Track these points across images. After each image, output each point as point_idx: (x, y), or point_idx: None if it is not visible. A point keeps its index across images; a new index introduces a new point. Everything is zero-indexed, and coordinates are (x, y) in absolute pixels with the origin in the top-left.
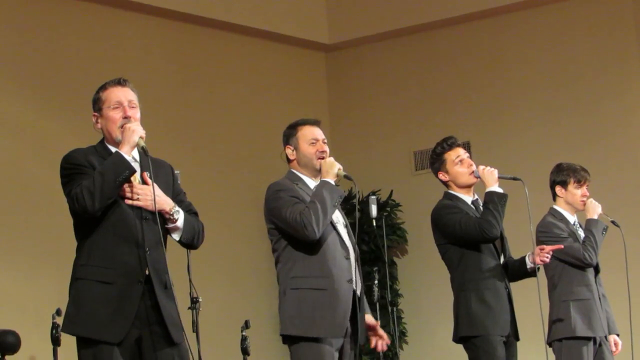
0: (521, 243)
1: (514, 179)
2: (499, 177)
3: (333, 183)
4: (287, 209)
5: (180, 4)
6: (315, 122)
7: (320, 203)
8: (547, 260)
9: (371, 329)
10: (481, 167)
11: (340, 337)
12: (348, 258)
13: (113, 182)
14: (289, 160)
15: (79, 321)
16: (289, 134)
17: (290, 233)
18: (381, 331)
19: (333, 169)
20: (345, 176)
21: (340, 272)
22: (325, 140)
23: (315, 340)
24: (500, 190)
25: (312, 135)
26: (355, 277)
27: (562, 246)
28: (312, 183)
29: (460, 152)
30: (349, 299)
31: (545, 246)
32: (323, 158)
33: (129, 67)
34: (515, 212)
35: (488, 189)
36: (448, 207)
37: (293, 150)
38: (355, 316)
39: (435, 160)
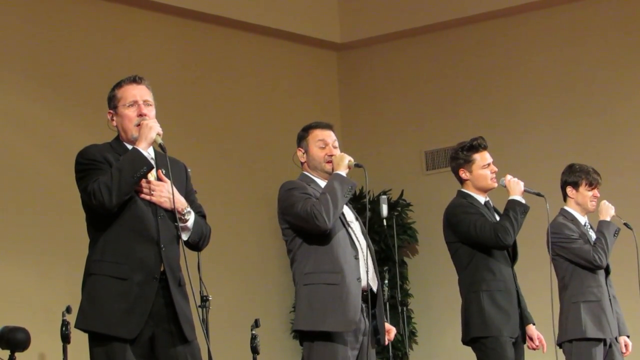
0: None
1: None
2: (524, 190)
3: (345, 175)
4: (299, 203)
5: (193, 3)
6: (326, 126)
7: (331, 194)
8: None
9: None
10: (509, 177)
11: (350, 331)
12: (357, 258)
13: (131, 177)
14: (301, 163)
15: (93, 316)
16: (301, 137)
17: (303, 226)
18: (389, 325)
19: (343, 161)
20: (356, 165)
21: (350, 269)
22: (336, 144)
23: (329, 339)
24: (523, 201)
25: (321, 139)
26: (370, 275)
27: None
28: (324, 184)
29: (488, 157)
30: (358, 296)
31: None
32: (331, 162)
33: (142, 65)
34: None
35: (511, 197)
36: (464, 206)
37: (304, 153)
38: (373, 313)
39: (462, 157)
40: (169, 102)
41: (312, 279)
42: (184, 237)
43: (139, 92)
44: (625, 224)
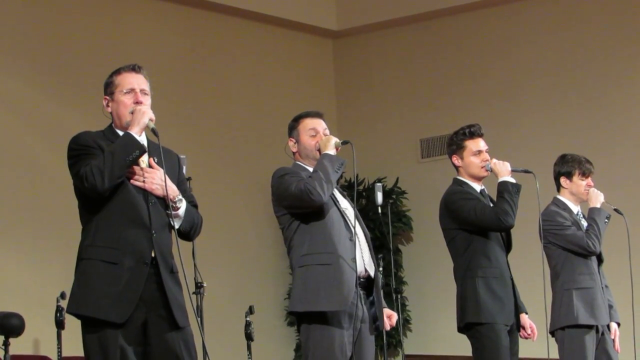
0: (528, 234)
1: (526, 171)
2: (511, 170)
3: (333, 154)
4: (292, 185)
5: None
6: (316, 114)
7: (322, 171)
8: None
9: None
10: (494, 160)
11: (345, 309)
12: (352, 240)
13: (123, 161)
14: (293, 153)
15: (83, 301)
16: (292, 127)
17: (299, 205)
18: (390, 311)
19: (330, 142)
20: (343, 142)
21: (343, 249)
22: (327, 132)
23: (326, 322)
24: (514, 181)
25: (312, 127)
26: (367, 260)
27: None
28: None
29: (481, 145)
30: (352, 276)
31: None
32: None
33: (138, 50)
34: (522, 202)
35: (501, 179)
36: (461, 193)
37: (295, 143)
38: (372, 300)
39: (455, 143)
40: (164, 89)
41: (306, 260)
42: (176, 225)
43: (137, 81)
44: (615, 210)
